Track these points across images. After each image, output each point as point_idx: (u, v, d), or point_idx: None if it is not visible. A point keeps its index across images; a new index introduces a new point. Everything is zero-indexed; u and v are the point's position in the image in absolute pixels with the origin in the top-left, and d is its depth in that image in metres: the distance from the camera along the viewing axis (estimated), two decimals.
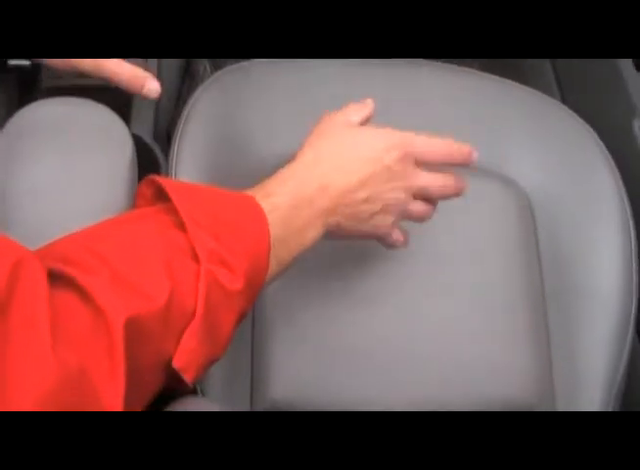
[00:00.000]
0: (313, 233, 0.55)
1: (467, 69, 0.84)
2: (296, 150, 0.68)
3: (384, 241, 0.62)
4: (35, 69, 0.78)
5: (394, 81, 0.79)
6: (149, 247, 0.49)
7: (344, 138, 0.58)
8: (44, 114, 0.61)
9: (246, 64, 0.77)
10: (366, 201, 0.57)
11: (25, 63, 0.66)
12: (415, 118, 0.75)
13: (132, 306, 0.45)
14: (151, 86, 0.64)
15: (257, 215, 0.53)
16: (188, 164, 0.68)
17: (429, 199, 0.61)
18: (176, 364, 0.47)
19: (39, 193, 0.57)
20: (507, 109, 0.79)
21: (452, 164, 0.61)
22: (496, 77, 0.82)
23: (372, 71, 0.79)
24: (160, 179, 0.53)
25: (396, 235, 0.61)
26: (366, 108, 0.61)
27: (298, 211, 0.54)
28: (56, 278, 0.44)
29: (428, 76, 0.81)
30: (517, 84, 0.81)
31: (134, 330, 0.44)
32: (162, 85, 0.81)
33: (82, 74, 0.77)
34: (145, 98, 0.66)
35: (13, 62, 0.66)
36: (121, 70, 0.65)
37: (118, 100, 0.75)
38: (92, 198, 0.57)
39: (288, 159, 0.69)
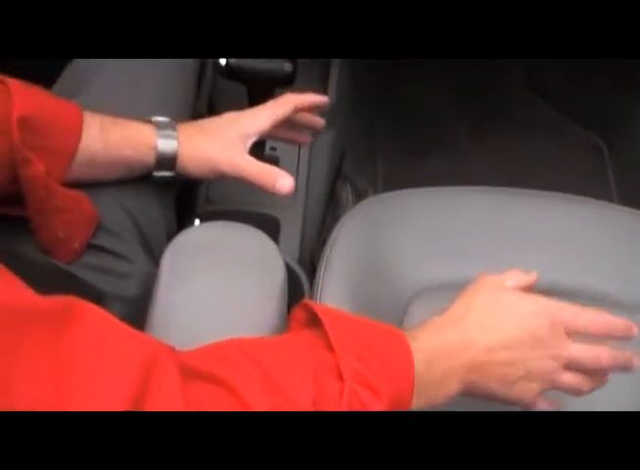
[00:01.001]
0: (453, 385, 0.55)
1: (604, 202, 0.84)
2: (437, 278, 0.71)
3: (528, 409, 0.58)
4: (189, 193, 0.84)
5: (530, 210, 0.79)
6: (298, 359, 0.50)
7: (493, 298, 0.58)
8: (203, 236, 0.64)
9: (388, 194, 0.80)
10: (509, 364, 0.55)
11: (168, 174, 0.69)
12: (552, 252, 0.75)
13: (277, 408, 0.46)
14: (283, 181, 0.66)
15: (403, 347, 0.54)
16: (333, 290, 0.69)
17: (583, 371, 0.58)
18: None
19: (196, 308, 0.59)
20: None
21: (609, 337, 0.58)
22: (635, 211, 0.81)
23: (508, 201, 0.80)
24: (313, 305, 0.55)
25: (542, 405, 0.58)
26: (527, 276, 0.60)
27: (440, 359, 0.54)
28: (201, 375, 0.46)
29: (563, 209, 0.81)
30: None
31: None
32: (307, 213, 0.85)
33: (233, 200, 0.83)
34: (277, 193, 0.67)
35: (157, 174, 0.68)
36: (252, 167, 0.68)
37: (268, 224, 0.79)
38: (245, 318, 0.59)
39: (431, 286, 0.71)
